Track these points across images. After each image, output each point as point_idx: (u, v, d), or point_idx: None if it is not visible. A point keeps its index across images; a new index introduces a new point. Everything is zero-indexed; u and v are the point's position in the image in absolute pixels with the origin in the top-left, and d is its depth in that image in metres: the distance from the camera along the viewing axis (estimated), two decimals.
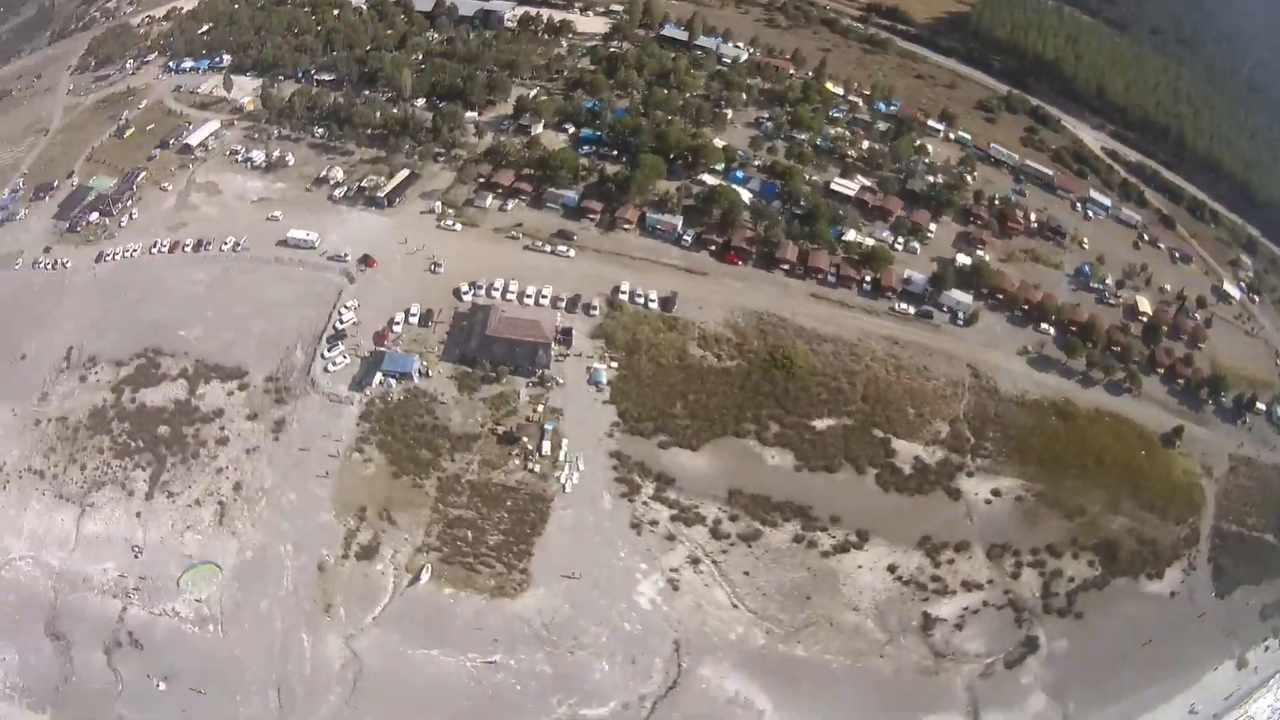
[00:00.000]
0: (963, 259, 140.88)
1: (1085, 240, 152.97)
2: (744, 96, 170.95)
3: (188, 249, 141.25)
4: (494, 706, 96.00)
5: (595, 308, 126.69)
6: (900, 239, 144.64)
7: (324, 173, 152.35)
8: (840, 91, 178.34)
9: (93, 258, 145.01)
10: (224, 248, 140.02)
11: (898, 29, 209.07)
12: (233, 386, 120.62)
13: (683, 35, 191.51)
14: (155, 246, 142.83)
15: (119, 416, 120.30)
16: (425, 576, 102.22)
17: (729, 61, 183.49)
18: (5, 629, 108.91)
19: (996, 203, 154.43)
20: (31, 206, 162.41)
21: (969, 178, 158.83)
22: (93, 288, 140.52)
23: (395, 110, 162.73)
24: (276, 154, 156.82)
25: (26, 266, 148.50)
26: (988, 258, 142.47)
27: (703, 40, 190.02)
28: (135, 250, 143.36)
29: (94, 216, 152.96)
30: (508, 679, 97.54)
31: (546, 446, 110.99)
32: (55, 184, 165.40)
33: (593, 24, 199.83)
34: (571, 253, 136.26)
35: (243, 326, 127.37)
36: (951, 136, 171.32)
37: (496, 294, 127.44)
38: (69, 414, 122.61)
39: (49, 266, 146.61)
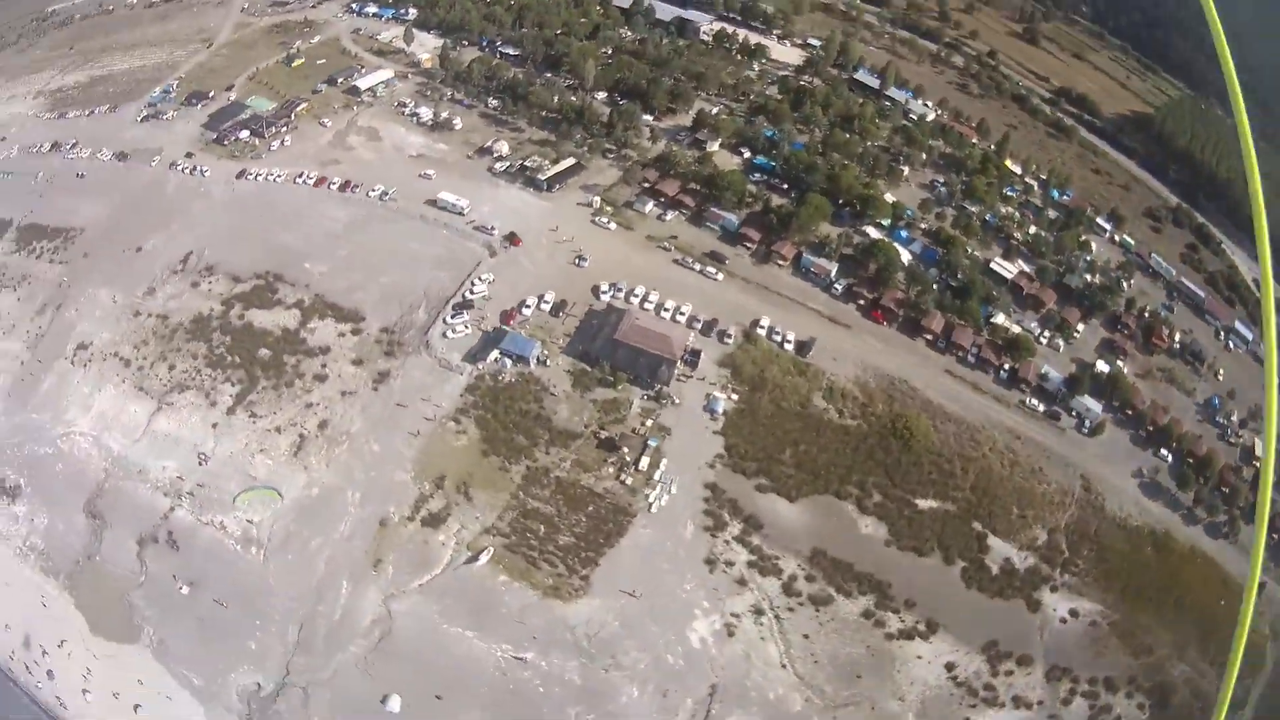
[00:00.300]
0: (1102, 366, 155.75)
1: (1221, 371, 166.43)
2: (923, 156, 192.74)
3: (333, 187, 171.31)
4: (512, 701, 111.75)
5: (730, 336, 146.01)
6: (1046, 333, 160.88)
7: (489, 144, 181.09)
8: (1018, 170, 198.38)
9: (234, 173, 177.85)
10: (371, 194, 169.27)
11: (1084, 119, 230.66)
12: (346, 329, 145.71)
13: (874, 83, 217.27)
14: (301, 177, 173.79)
15: (222, 329, 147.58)
16: (484, 558, 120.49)
17: (915, 118, 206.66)
18: (44, 493, 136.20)
19: (1146, 315, 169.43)
20: (181, 110, 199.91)
21: (1125, 284, 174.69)
22: (228, 202, 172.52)
23: (573, 98, 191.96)
24: (445, 115, 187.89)
25: (164, 166, 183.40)
26: (1126, 370, 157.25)
27: (893, 92, 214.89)
28: (280, 176, 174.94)
29: (244, 134, 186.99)
30: (533, 679, 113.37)
31: (645, 462, 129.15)
32: (211, 94, 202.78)
33: (788, 54, 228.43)
34: (720, 276, 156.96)
35: (371, 274, 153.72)
36: (1116, 239, 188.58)
37: (635, 300, 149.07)
38: (171, 314, 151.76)
39: (187, 171, 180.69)
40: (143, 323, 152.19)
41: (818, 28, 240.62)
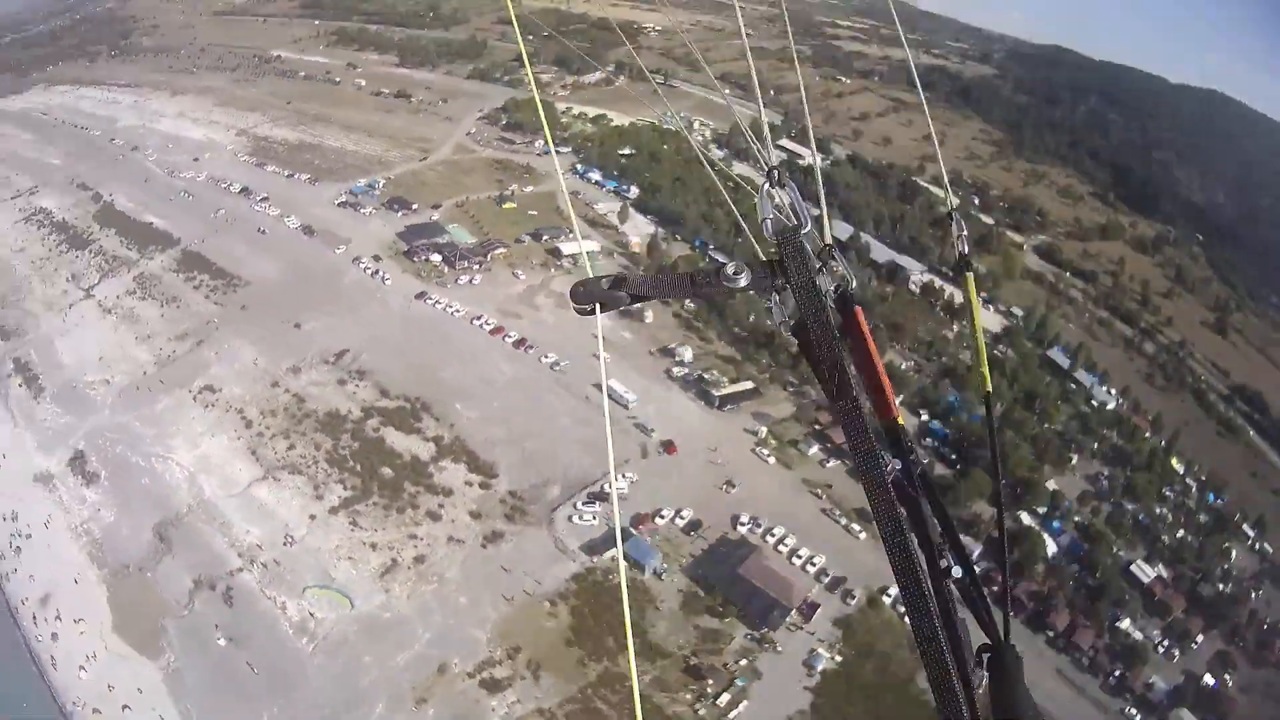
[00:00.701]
0: (1209, 679, 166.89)
1: None
2: (1096, 445, 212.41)
3: (508, 340, 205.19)
4: None
5: (854, 598, 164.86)
6: (1166, 641, 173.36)
7: (673, 346, 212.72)
8: (1180, 470, 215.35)
9: (414, 292, 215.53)
10: (544, 359, 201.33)
11: (1254, 418, 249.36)
12: (475, 479, 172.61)
13: (1065, 363, 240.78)
14: (480, 320, 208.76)
15: (354, 434, 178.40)
16: None
17: (1096, 404, 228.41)
18: (120, 494, 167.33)
19: (1265, 627, 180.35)
20: (381, 211, 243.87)
21: (1255, 595, 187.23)
22: (402, 317, 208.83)
23: (770, 322, 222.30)
24: (638, 305, 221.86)
25: (347, 258, 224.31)
26: (1231, 683, 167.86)
27: (1080, 374, 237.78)
28: (459, 312, 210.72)
29: (435, 257, 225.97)
30: None
31: (725, 699, 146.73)
32: (414, 206, 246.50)
33: (989, 318, 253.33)
34: (863, 535, 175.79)
35: (518, 435, 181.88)
36: (1256, 546, 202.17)
37: (770, 540, 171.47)
38: (309, 399, 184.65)
39: (370, 272, 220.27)
40: (278, 395, 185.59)
41: (1023, 296, 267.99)
